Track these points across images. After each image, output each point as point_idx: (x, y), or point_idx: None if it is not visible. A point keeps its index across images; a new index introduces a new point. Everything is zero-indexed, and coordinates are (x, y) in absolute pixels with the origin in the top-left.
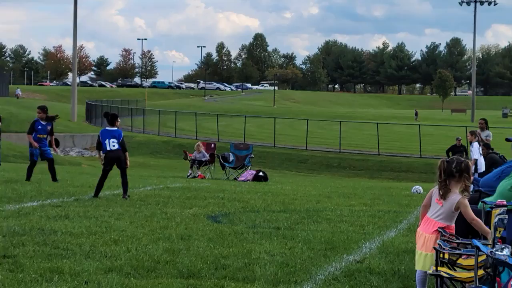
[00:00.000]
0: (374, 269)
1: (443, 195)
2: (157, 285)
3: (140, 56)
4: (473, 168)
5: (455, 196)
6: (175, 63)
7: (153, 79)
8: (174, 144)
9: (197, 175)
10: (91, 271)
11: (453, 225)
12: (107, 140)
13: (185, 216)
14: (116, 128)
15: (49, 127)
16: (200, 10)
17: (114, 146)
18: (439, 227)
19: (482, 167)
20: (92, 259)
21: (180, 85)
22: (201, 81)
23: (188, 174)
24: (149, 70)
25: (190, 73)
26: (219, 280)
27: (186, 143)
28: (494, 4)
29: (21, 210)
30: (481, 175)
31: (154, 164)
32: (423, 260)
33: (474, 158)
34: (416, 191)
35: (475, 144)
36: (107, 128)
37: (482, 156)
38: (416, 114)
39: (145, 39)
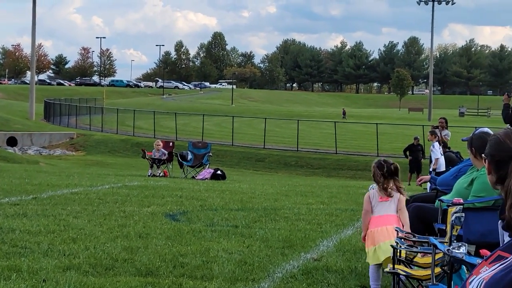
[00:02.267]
0: (331, 267)
1: (389, 194)
2: (115, 283)
3: (99, 55)
4: (432, 167)
5: (396, 193)
6: (134, 62)
7: (112, 78)
8: (132, 143)
9: (157, 174)
10: (49, 269)
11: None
12: None
13: (143, 214)
14: None
15: None
16: (158, 8)
17: None
18: (396, 227)
19: (442, 166)
20: (51, 257)
21: (139, 83)
22: (160, 80)
23: (149, 174)
24: (107, 68)
25: (149, 71)
26: (177, 278)
27: (144, 142)
28: (452, 4)
29: None
30: (440, 174)
31: (112, 162)
32: (384, 251)
33: (435, 158)
34: (373, 188)
35: (436, 144)
36: None
37: (442, 156)
38: (344, 113)
39: (104, 37)
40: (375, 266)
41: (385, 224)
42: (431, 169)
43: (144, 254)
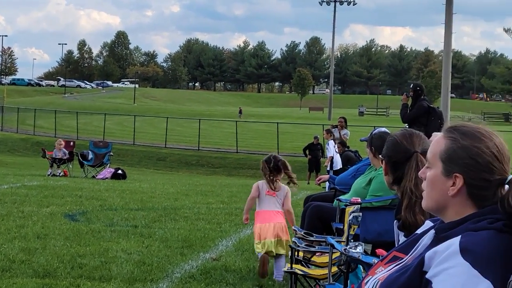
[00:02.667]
0: (230, 266)
1: (275, 187)
2: (12, 285)
3: (0, 53)
4: (329, 165)
5: (283, 186)
6: (36, 60)
7: (13, 77)
8: (32, 142)
9: (57, 173)
10: None
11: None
12: None
13: (42, 214)
14: None
15: None
16: (61, 7)
17: None
18: (293, 226)
19: (338, 164)
20: None
21: (40, 82)
22: (62, 79)
23: (49, 173)
24: (8, 67)
25: (51, 70)
26: (75, 279)
27: (45, 141)
28: (353, 4)
29: None
30: (337, 172)
31: (12, 162)
32: (276, 245)
33: (329, 156)
34: None
35: (331, 142)
36: None
37: (338, 154)
38: (240, 111)
39: (6, 35)
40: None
41: (271, 220)
42: (328, 168)
43: (42, 255)
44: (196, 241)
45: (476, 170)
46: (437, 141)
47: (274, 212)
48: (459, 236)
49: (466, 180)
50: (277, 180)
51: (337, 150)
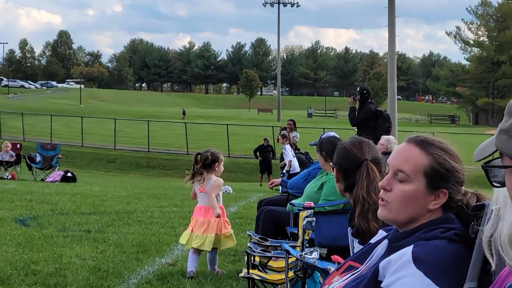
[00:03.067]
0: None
1: (201, 184)
2: None
3: None
4: (285, 169)
5: (212, 178)
6: None
7: None
8: None
9: (5, 176)
10: None
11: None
12: None
13: None
14: None
15: None
16: (0, 5)
17: None
18: (248, 231)
19: (296, 168)
20: None
21: None
22: (4, 78)
23: None
24: None
25: None
26: (30, 287)
27: None
28: (297, 6)
29: None
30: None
31: None
32: (205, 240)
33: (289, 160)
34: (226, 190)
35: (287, 147)
36: None
37: (295, 158)
38: (184, 113)
39: None
40: (193, 249)
41: (205, 216)
42: (284, 171)
43: None
44: (151, 245)
45: (457, 185)
46: (413, 155)
47: (207, 208)
48: (412, 246)
49: (449, 195)
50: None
51: (293, 154)
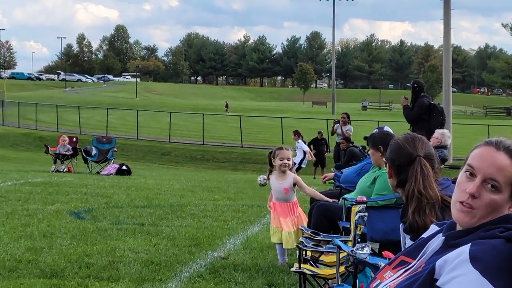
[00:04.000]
0: (239, 265)
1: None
2: (19, 286)
3: None
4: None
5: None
6: (35, 54)
7: (12, 70)
8: (34, 137)
9: (61, 169)
10: None
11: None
12: None
13: (48, 212)
14: None
15: None
16: (58, 0)
17: None
18: (300, 226)
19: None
20: None
21: (40, 76)
22: (62, 73)
23: (53, 169)
24: (7, 61)
25: (50, 64)
26: (83, 280)
27: (47, 136)
28: None
29: None
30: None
31: (15, 157)
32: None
33: (305, 150)
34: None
35: (301, 142)
36: None
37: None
38: (227, 106)
39: (3, 29)
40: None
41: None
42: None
43: (48, 254)
44: (203, 239)
45: None
46: (506, 165)
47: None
48: (469, 244)
49: None
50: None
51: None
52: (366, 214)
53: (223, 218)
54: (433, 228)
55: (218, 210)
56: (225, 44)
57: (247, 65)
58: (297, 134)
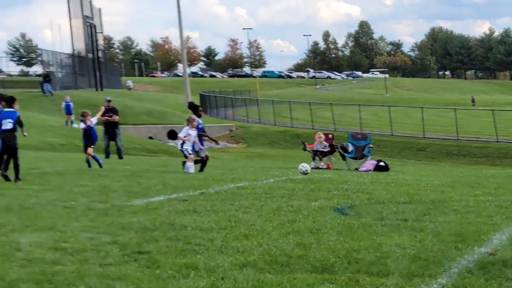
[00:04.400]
0: (508, 261)
1: None
2: (293, 280)
3: (248, 46)
4: None
5: None
6: (283, 52)
7: (263, 69)
8: (290, 134)
9: (321, 166)
10: (226, 267)
11: None
12: (3, 120)
13: (312, 208)
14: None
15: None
16: None
17: (7, 126)
18: None
19: None
20: (225, 254)
21: (291, 74)
22: (311, 70)
23: (312, 166)
24: (257, 59)
25: (299, 62)
26: (353, 275)
27: (303, 133)
28: None
29: (149, 205)
30: None
31: (273, 154)
32: None
33: None
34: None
35: None
36: (5, 109)
37: None
38: (473, 100)
39: (250, 28)
40: None
41: None
42: None
43: (317, 250)
44: (468, 235)
45: None
46: None
47: None
48: None
49: None
50: None
51: None
52: None
53: (487, 213)
54: None
55: (480, 205)
56: (470, 38)
57: (494, 58)
58: None
